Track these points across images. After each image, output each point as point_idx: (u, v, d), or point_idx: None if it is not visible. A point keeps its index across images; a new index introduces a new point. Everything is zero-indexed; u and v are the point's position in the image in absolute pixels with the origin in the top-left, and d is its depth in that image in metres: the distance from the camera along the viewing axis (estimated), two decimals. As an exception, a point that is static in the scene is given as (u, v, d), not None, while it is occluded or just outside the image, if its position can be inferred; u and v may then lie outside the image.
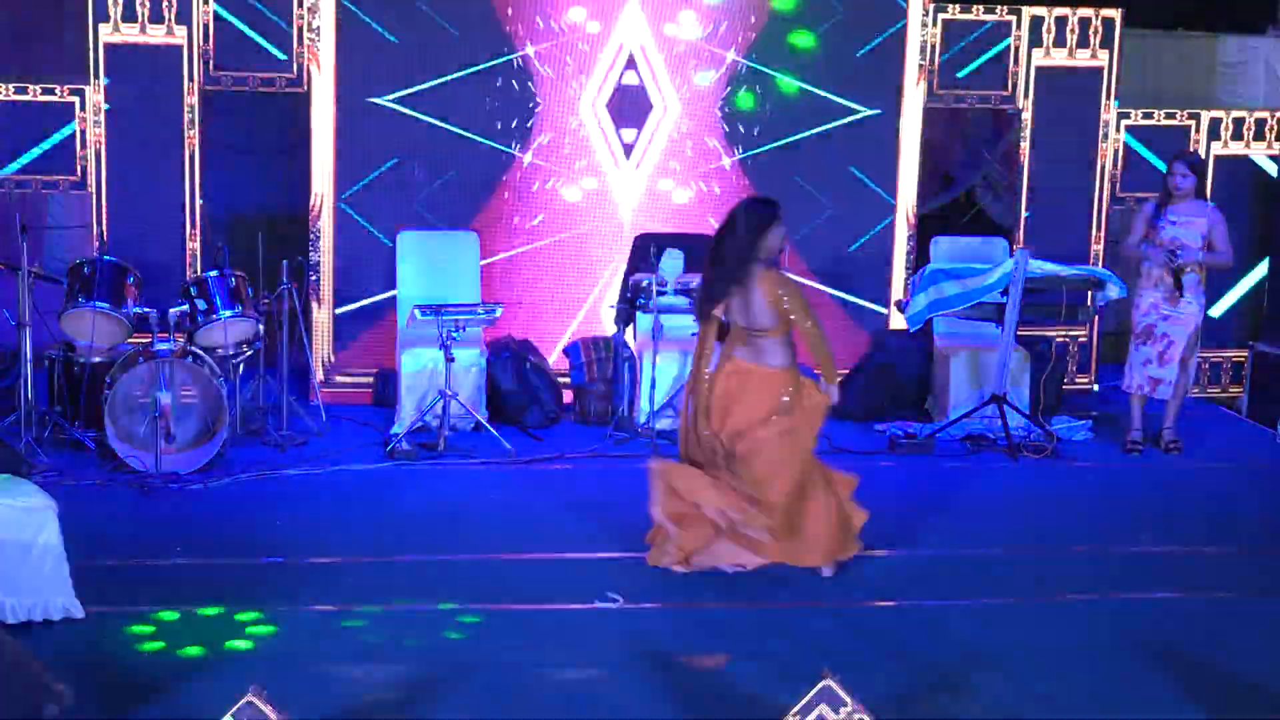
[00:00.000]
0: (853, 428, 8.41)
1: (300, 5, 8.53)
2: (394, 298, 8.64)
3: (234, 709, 3.41)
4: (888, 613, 5.68)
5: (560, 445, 8.01)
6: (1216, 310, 9.42)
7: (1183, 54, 10.31)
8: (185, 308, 7.56)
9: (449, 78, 8.70)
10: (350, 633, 5.28)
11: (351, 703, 4.67)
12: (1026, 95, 9.20)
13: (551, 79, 8.83)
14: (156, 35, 8.43)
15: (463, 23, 8.70)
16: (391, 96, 8.67)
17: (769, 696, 4.65)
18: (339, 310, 8.80)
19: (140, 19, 8.40)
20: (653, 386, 8.00)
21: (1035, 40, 9.16)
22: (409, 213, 8.75)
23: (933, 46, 9.08)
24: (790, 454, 5.87)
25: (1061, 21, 9.18)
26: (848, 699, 3.65)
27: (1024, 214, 9.30)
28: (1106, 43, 9.20)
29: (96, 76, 8.42)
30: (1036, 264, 8.09)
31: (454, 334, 7.61)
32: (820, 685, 3.66)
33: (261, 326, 7.77)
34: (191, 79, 8.50)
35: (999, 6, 9.17)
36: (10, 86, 8.47)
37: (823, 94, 9.00)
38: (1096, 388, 9.53)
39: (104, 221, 8.53)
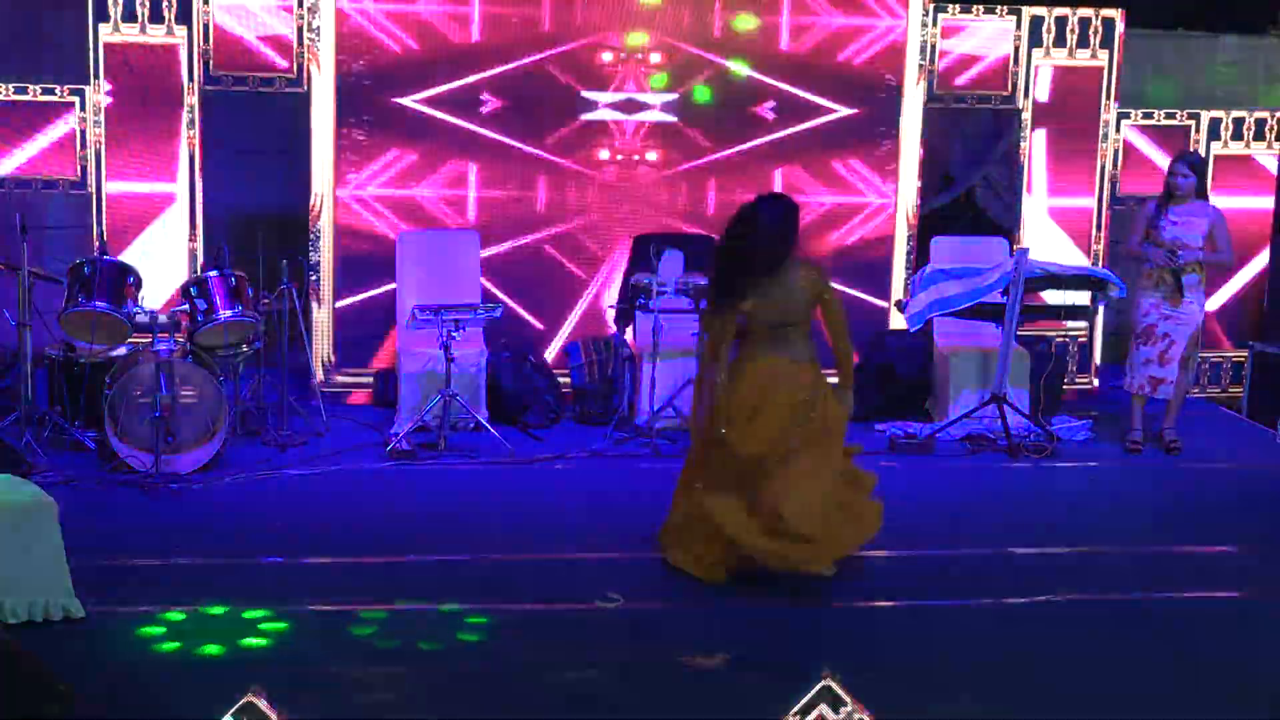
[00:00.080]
0: (853, 428, 8.28)
1: (300, 5, 8.54)
2: (394, 297, 8.64)
3: (234, 709, 3.41)
4: (888, 613, 5.69)
5: (560, 445, 8.01)
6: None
7: (1183, 54, 10.32)
8: (185, 308, 7.57)
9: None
10: (350, 633, 5.27)
11: (352, 703, 4.67)
12: (1026, 95, 9.21)
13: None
14: (156, 35, 8.44)
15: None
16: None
17: (769, 696, 4.64)
18: (339, 304, 8.81)
19: (140, 19, 8.41)
20: (653, 386, 8.00)
21: (1035, 40, 9.17)
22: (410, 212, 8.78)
23: (932, 46, 9.09)
24: (822, 485, 5.80)
25: (1061, 21, 9.19)
26: (848, 699, 3.65)
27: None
28: (1106, 43, 9.21)
29: (96, 76, 8.43)
30: (1036, 264, 8.11)
31: (454, 334, 7.62)
32: (820, 685, 3.66)
33: (261, 326, 7.77)
34: (191, 79, 8.50)
35: (999, 6, 9.17)
36: (10, 86, 8.47)
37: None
38: (1096, 382, 9.53)
39: (104, 221, 8.53)
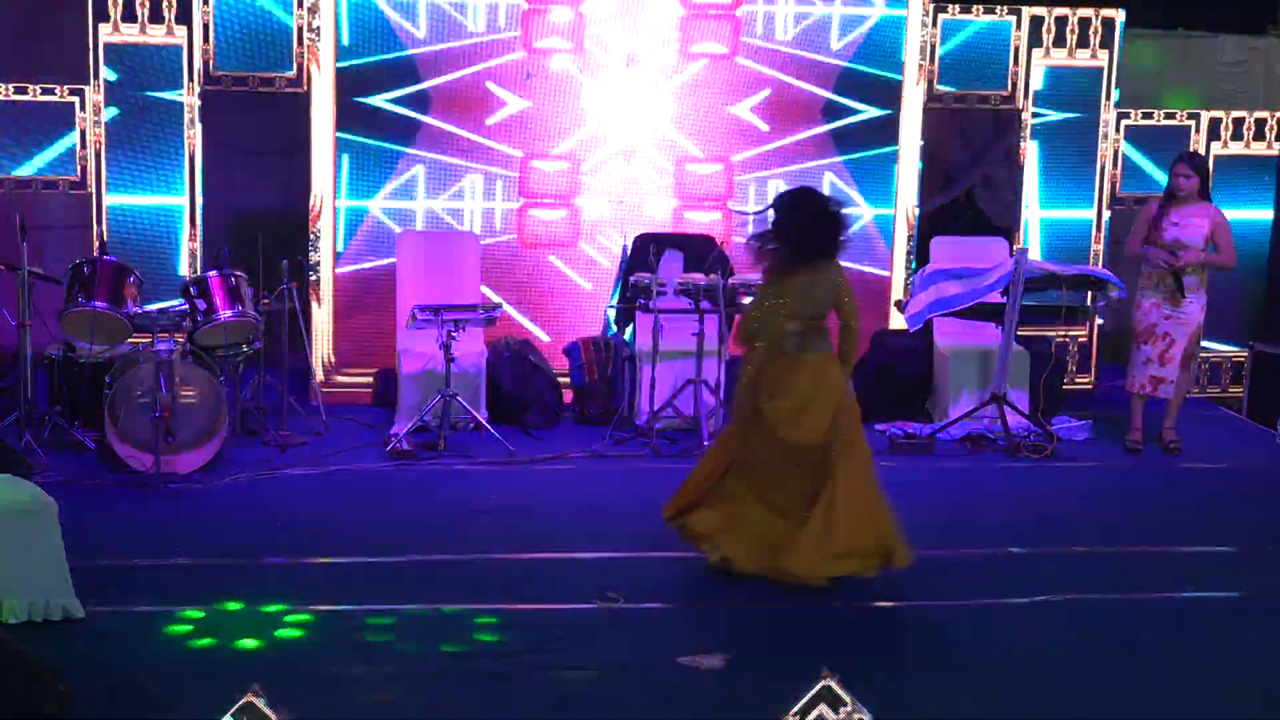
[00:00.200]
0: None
1: (300, 5, 8.53)
2: (394, 298, 8.64)
3: (234, 709, 3.41)
4: (888, 613, 5.68)
5: (560, 445, 8.01)
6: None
7: (1183, 54, 10.33)
8: (185, 308, 7.57)
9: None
10: (349, 633, 5.27)
11: (352, 703, 4.67)
12: (1026, 95, 9.21)
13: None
14: (156, 35, 8.44)
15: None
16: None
17: (769, 696, 4.64)
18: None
19: (140, 19, 8.41)
20: (653, 386, 7.99)
21: (1035, 40, 9.17)
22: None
23: (932, 46, 9.08)
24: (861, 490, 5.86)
25: (1061, 21, 9.19)
26: (848, 699, 3.65)
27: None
28: (1106, 43, 9.21)
29: (96, 77, 8.42)
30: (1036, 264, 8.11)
31: (454, 334, 7.61)
32: (820, 685, 3.66)
33: (261, 326, 7.77)
34: (191, 79, 8.50)
35: (999, 6, 9.17)
36: (10, 86, 8.47)
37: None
38: (1095, 379, 9.53)
39: (104, 221, 8.53)
